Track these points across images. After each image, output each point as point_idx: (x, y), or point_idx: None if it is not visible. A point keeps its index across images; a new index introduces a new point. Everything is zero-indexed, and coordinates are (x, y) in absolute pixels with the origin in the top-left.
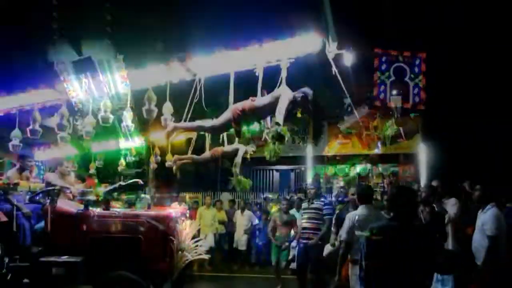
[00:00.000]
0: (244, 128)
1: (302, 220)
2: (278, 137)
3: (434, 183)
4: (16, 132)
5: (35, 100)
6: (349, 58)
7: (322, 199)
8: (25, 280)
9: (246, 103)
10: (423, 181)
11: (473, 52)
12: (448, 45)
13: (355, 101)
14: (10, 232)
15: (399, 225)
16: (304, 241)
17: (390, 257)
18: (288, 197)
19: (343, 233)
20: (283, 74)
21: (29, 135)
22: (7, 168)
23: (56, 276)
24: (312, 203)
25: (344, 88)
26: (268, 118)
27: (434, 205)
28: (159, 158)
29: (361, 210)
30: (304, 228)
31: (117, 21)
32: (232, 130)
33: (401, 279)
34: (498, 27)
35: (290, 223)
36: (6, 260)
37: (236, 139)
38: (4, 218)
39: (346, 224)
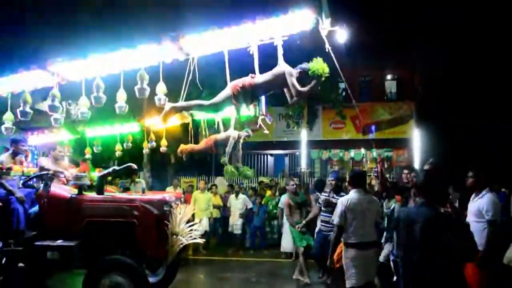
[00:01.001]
0: (243, 113)
1: (322, 213)
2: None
3: (426, 167)
4: (8, 115)
5: (27, 82)
6: (342, 35)
7: (343, 194)
8: (20, 264)
9: (246, 80)
10: (416, 165)
11: (461, 43)
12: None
13: (350, 84)
14: (4, 217)
15: (429, 211)
16: (325, 232)
17: (416, 242)
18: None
19: (335, 217)
20: (279, 51)
21: (19, 117)
22: (0, 152)
23: (50, 260)
24: (333, 197)
25: (338, 68)
26: (263, 104)
27: None
28: (154, 143)
29: (353, 194)
30: (325, 222)
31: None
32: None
33: (428, 265)
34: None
35: (304, 204)
36: (0, 244)
37: (231, 124)
38: None
39: (339, 208)
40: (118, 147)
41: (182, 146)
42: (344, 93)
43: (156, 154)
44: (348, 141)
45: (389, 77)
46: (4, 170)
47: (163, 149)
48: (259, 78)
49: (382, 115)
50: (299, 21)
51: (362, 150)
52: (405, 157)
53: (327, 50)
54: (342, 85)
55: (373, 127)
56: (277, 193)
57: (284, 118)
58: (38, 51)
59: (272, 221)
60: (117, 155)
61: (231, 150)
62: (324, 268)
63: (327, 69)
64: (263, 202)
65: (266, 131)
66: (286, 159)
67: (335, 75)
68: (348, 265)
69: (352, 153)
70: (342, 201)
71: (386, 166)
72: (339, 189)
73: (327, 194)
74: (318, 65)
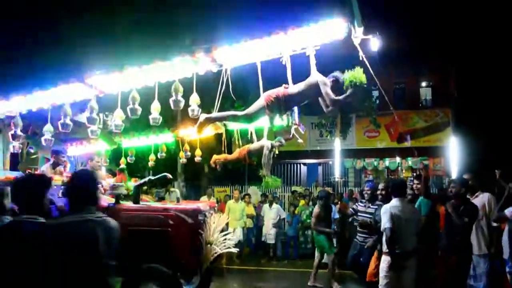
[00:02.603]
0: (276, 123)
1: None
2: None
3: (466, 176)
4: (48, 127)
5: (66, 95)
6: (375, 44)
7: (378, 203)
8: None
9: (279, 90)
10: (454, 174)
11: (500, 46)
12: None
13: (384, 92)
14: None
15: None
16: (362, 243)
17: None
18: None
19: (386, 223)
20: (312, 61)
21: (60, 129)
22: (41, 163)
23: None
24: (369, 207)
25: (373, 75)
26: (296, 114)
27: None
28: (189, 154)
29: (396, 203)
30: (360, 232)
31: (142, 14)
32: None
33: None
34: None
35: None
36: None
37: (264, 134)
38: None
39: (387, 213)
40: (152, 157)
41: (215, 157)
42: (377, 101)
43: (190, 164)
44: (383, 149)
45: (424, 84)
46: None
47: (197, 159)
48: (293, 88)
49: (417, 123)
50: (331, 30)
51: (397, 159)
52: (441, 165)
53: (360, 59)
54: (375, 93)
55: (408, 136)
56: (310, 203)
57: (317, 127)
58: (77, 64)
59: (306, 231)
60: (150, 165)
61: (266, 161)
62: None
63: (364, 79)
64: (296, 212)
65: (300, 140)
66: (319, 168)
67: (369, 83)
68: (383, 273)
69: (387, 162)
70: (387, 208)
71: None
72: (375, 199)
73: (363, 204)
74: (355, 74)
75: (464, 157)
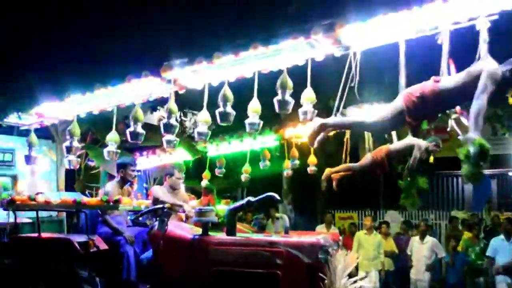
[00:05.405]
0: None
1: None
2: (478, 156)
3: None
4: (112, 136)
5: (137, 93)
6: None
7: None
8: None
9: (426, 86)
10: None
11: None
12: None
13: None
14: (111, 263)
15: None
16: None
17: None
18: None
19: None
20: (482, 38)
21: (129, 139)
22: (103, 181)
23: None
24: None
25: None
26: None
27: None
28: (297, 162)
29: None
30: None
31: None
32: None
33: None
34: None
35: None
36: None
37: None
38: (104, 246)
39: None
40: (246, 168)
41: (328, 170)
42: None
43: (298, 177)
44: None
45: None
46: (111, 204)
47: (311, 169)
48: (447, 82)
49: None
50: None
51: None
52: None
53: None
54: None
55: None
56: (481, 234)
57: (490, 121)
58: (151, 53)
59: (476, 278)
60: (243, 180)
61: (415, 165)
62: None
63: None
64: (459, 248)
65: (461, 137)
66: (493, 183)
67: None
68: None
69: None
70: None
71: None
72: None
73: None
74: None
75: None
